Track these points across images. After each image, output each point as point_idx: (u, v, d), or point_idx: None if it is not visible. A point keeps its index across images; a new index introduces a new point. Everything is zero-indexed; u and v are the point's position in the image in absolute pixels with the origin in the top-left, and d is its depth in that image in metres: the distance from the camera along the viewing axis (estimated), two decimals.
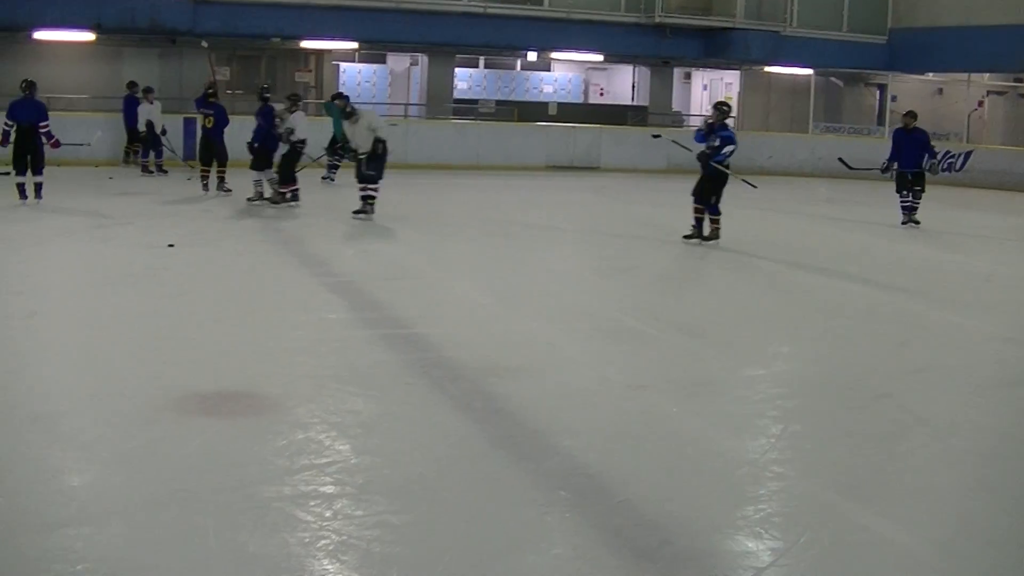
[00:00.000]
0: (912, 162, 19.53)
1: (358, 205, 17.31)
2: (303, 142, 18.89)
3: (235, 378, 8.26)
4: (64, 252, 13.91)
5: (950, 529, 6.00)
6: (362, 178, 17.29)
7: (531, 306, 11.71)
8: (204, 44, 24.69)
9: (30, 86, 18.29)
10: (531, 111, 31.89)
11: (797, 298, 12.89)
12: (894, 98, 33.47)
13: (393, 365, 8.81)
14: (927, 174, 19.74)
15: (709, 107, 30.78)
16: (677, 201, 22.59)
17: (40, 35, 25.92)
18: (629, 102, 34.43)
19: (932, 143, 20.07)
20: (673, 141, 19.00)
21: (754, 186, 18.00)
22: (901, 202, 19.75)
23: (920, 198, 19.67)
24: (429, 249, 15.35)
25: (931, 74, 33.60)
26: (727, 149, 15.81)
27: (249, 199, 18.94)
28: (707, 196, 16.03)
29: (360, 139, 17.11)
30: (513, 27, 29.50)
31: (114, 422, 7.08)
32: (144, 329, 9.84)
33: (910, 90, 34.03)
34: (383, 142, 17.08)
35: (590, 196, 24.36)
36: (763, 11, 31.76)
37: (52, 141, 18.09)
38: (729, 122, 16.73)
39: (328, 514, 5.70)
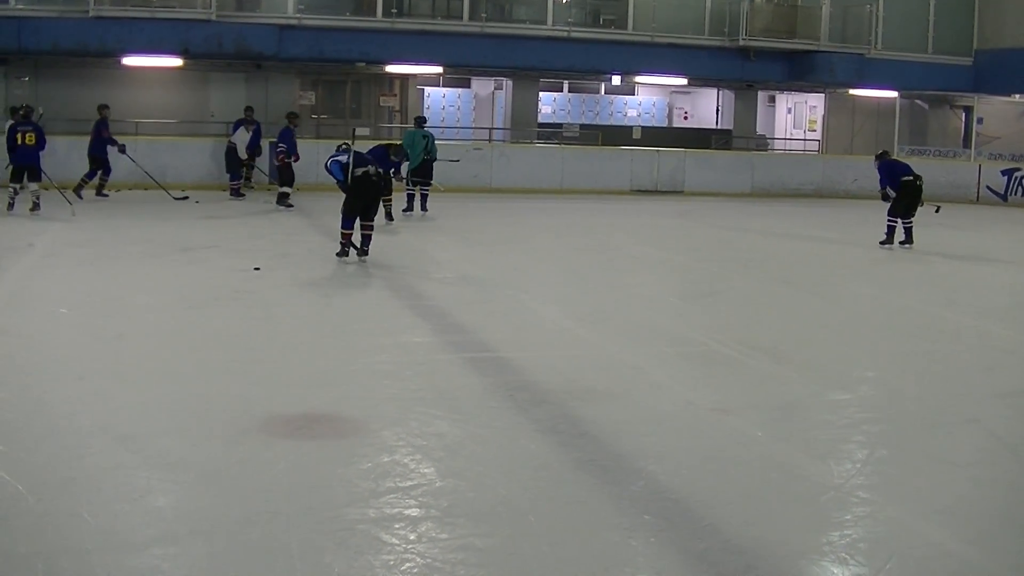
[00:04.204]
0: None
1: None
2: None
3: (320, 400, 8.31)
4: (151, 275, 14.06)
5: None
6: None
7: (616, 330, 11.68)
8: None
9: (247, 111, 24.32)
10: (615, 135, 31.89)
11: (882, 322, 12.77)
12: (980, 120, 33.13)
13: (478, 388, 8.81)
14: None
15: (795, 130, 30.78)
16: (760, 225, 22.54)
17: (128, 61, 26.30)
18: (713, 126, 34.33)
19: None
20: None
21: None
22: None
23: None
24: (513, 272, 15.36)
25: (1018, 96, 33.18)
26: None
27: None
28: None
29: None
30: (597, 51, 29.56)
31: (200, 443, 7.14)
32: (230, 351, 9.94)
33: (996, 112, 33.67)
34: None
35: (675, 220, 24.29)
36: (847, 34, 31.61)
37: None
38: None
39: (412, 537, 5.71)
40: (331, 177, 15.50)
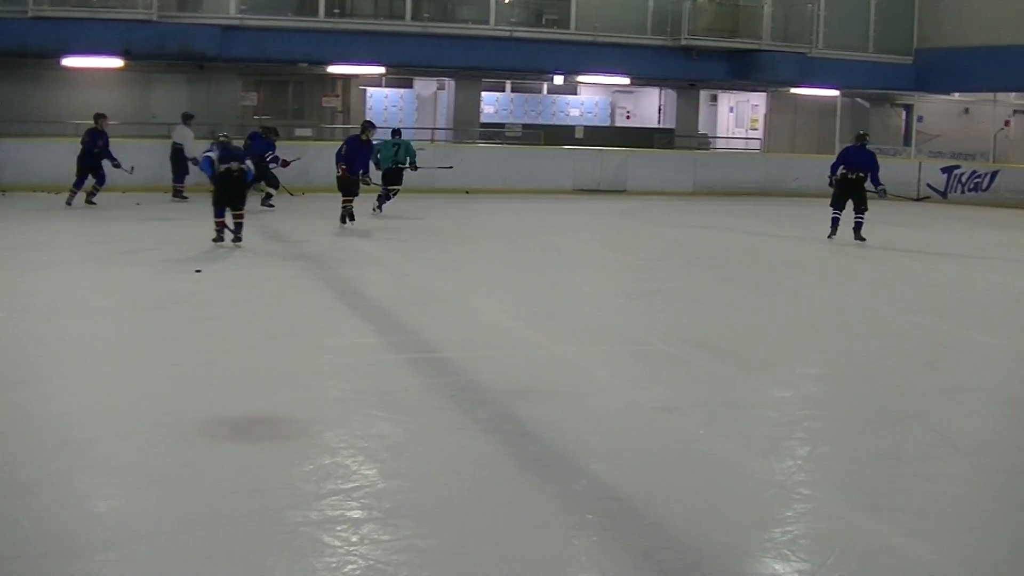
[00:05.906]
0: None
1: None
2: None
3: (263, 403, 8.27)
4: (93, 277, 13.96)
5: (980, 549, 5.97)
6: None
7: (559, 329, 11.69)
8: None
9: (268, 131, 23.67)
10: (558, 134, 31.92)
11: (825, 319, 12.84)
12: (920, 118, 33.41)
13: (421, 389, 8.80)
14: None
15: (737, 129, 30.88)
16: (704, 223, 22.62)
17: (69, 62, 26.06)
18: (656, 125, 34.43)
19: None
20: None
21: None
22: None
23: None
24: (457, 273, 15.36)
25: (957, 94, 33.45)
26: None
27: None
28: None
29: None
30: (540, 50, 29.56)
31: (143, 447, 7.09)
32: (173, 354, 9.87)
33: (936, 110, 33.97)
34: None
35: (617, 219, 24.33)
36: (789, 33, 31.78)
37: (280, 163, 23.40)
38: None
39: (355, 539, 5.70)
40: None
